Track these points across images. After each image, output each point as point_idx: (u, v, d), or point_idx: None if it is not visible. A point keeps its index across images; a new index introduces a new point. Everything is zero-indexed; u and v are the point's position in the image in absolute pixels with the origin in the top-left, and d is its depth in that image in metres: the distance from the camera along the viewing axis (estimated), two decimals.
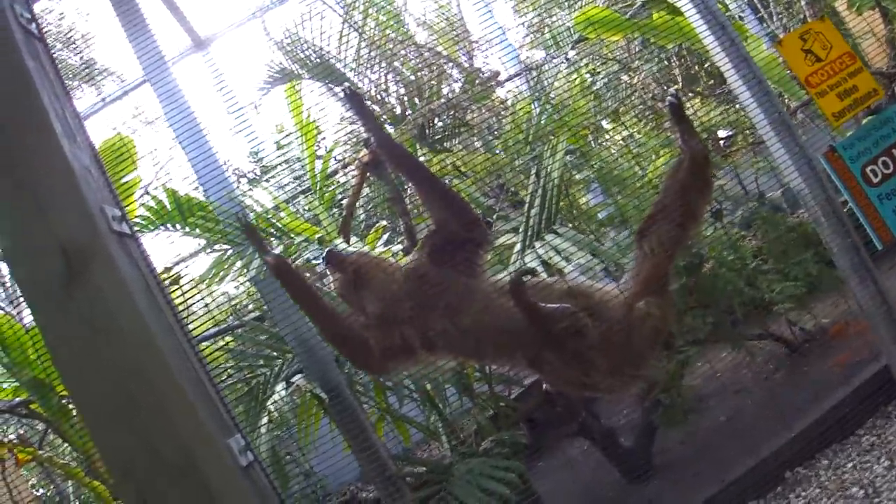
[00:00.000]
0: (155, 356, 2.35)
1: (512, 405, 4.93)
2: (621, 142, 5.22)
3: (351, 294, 3.07)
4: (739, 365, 5.65)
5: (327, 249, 3.22)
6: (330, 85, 4.48)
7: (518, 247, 4.27)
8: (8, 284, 6.72)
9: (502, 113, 4.82)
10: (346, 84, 3.31)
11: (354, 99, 3.00)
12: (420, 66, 4.78)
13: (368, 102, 4.60)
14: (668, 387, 4.79)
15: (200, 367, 2.59)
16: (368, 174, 4.31)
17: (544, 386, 3.52)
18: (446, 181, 3.06)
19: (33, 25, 2.67)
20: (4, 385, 5.42)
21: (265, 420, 4.47)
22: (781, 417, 4.88)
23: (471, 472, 4.47)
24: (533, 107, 5.16)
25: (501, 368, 4.71)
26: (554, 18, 5.53)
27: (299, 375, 4.47)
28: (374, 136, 3.01)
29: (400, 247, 4.38)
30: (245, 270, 4.32)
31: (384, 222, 4.88)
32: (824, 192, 4.78)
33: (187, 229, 4.58)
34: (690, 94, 6.03)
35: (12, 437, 5.28)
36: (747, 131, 5.68)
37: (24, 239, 2.38)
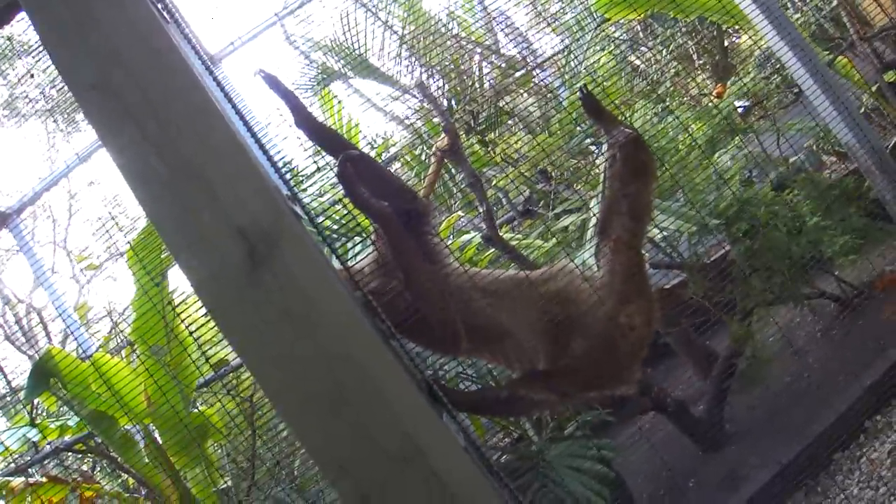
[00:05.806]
0: (365, 339, 2.15)
1: None
2: (656, 116, 5.25)
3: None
4: (792, 326, 5.73)
5: None
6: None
7: (593, 221, 4.26)
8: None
9: (547, 96, 4.80)
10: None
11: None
12: (459, 56, 4.74)
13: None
14: (738, 351, 4.81)
15: (401, 348, 2.47)
16: (446, 160, 4.23)
17: None
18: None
19: (165, 12, 2.52)
20: (51, 425, 5.23)
21: None
22: (848, 371, 4.95)
23: (565, 456, 4.43)
24: (562, 92, 5.18)
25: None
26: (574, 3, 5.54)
27: None
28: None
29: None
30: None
31: (459, 212, 4.81)
32: (873, 142, 4.91)
33: None
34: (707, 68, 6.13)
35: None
36: (771, 96, 5.79)
37: (195, 228, 2.14)
